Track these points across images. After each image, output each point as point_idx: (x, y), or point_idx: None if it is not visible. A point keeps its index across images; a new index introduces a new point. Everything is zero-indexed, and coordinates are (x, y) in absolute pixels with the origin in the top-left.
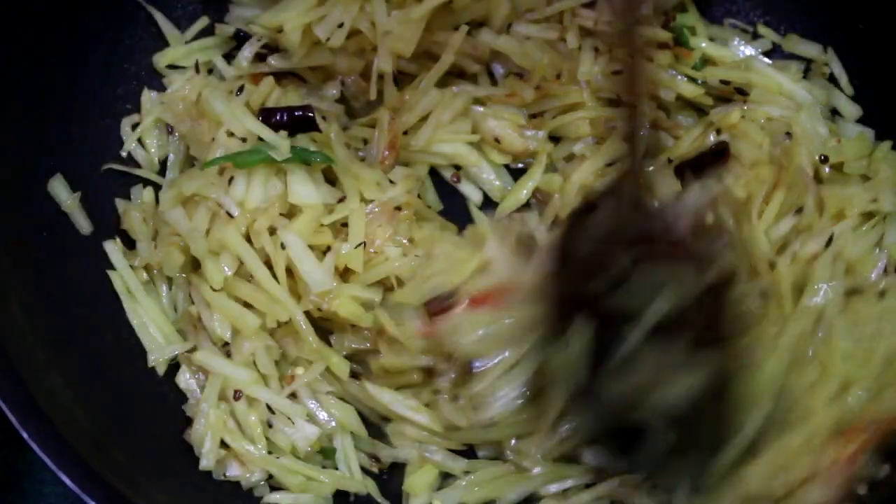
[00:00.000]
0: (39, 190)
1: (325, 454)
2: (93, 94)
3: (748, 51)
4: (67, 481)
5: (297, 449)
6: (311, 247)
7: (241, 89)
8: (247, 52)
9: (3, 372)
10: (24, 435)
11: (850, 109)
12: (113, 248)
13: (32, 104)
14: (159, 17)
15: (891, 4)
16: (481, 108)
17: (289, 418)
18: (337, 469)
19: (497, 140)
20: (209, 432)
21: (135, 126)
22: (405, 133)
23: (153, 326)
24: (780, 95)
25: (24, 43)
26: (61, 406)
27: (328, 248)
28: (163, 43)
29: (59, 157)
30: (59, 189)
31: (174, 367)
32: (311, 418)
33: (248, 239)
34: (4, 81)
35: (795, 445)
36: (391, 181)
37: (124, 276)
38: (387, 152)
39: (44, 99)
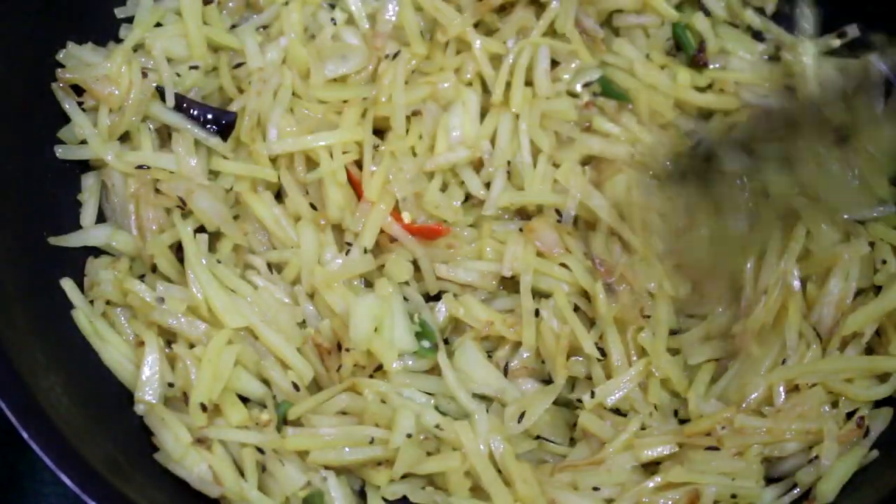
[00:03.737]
0: (41, 192)
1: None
2: None
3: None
4: (67, 481)
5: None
6: None
7: None
8: None
9: (3, 372)
10: (24, 435)
11: None
12: (70, 286)
13: None
14: None
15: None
16: None
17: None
18: None
19: None
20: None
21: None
22: None
23: (128, 362)
24: None
25: None
26: (61, 406)
27: None
28: None
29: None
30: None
31: None
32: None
33: None
34: None
35: None
36: None
37: (86, 313)
38: None
39: None
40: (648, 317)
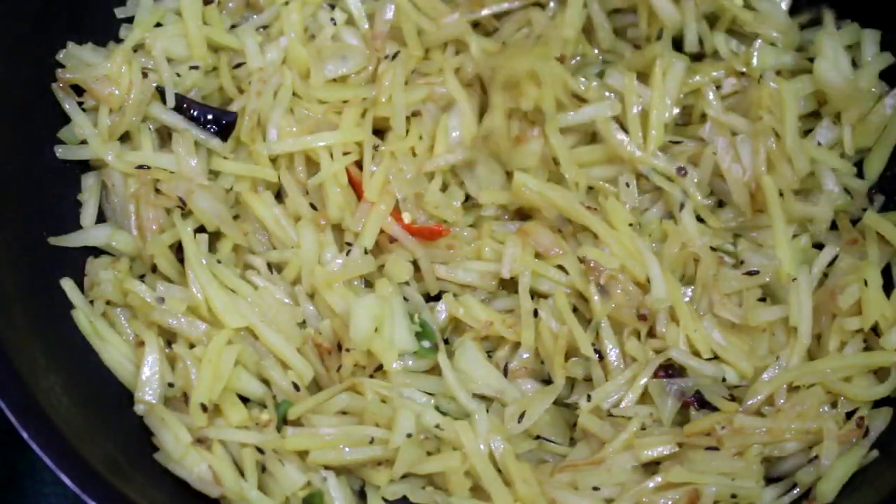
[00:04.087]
0: (41, 192)
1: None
2: None
3: None
4: (67, 481)
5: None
6: None
7: None
8: None
9: (3, 372)
10: (24, 435)
11: None
12: (70, 286)
13: None
14: None
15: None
16: None
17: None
18: None
19: None
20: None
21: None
22: None
23: (128, 362)
24: None
25: None
26: (61, 406)
27: None
28: None
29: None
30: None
31: None
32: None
33: None
34: None
35: None
36: None
37: (86, 313)
38: None
39: None
40: (644, 317)
